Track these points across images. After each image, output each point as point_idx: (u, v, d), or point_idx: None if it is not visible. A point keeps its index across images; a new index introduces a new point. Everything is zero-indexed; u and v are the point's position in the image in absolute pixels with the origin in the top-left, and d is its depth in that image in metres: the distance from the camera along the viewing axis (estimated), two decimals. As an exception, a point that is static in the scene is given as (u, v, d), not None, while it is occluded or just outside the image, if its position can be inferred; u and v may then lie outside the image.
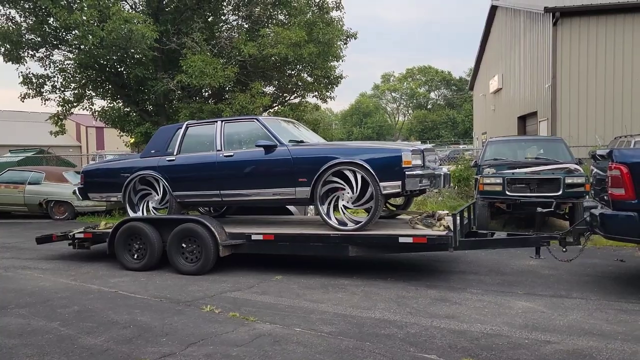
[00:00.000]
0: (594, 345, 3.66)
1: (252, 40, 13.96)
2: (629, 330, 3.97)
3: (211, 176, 6.57)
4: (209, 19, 15.71)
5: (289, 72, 16.39)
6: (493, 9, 23.14)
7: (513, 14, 20.09)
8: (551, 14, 14.93)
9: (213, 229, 6.11)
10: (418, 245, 5.65)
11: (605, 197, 5.10)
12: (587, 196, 7.85)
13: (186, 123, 7.10)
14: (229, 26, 16.47)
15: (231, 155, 6.48)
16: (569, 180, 8.18)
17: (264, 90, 15.64)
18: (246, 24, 15.80)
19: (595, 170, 5.84)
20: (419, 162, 5.85)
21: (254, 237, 6.16)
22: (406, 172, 5.61)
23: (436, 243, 5.56)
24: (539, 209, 6.39)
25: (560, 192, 8.16)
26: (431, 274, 6.09)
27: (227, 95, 15.01)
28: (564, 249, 5.58)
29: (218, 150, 6.60)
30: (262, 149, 6.25)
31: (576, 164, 8.76)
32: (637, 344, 3.66)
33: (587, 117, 14.95)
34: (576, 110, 15.03)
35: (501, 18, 22.51)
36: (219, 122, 6.80)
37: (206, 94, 15.88)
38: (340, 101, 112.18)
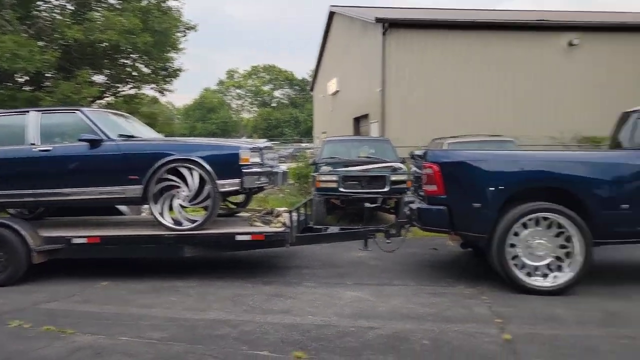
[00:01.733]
0: (410, 327, 4.03)
1: (78, 24, 12.66)
2: (438, 311, 4.46)
3: (22, 173, 5.79)
4: (24, -5, 13.84)
5: (123, 60, 15.26)
6: (331, 15, 24.24)
7: (349, 21, 21.31)
8: (381, 24, 16.15)
9: (23, 233, 5.39)
10: (256, 242, 5.67)
11: (421, 193, 5.67)
12: (408, 192, 8.69)
13: (-12, 112, 6.14)
14: (50, 6, 14.72)
15: (48, 150, 5.77)
16: (393, 178, 8.95)
17: (93, 79, 14.31)
18: (71, 5, 14.27)
19: (414, 168, 6.46)
20: (257, 159, 5.86)
21: (75, 240, 5.58)
22: (244, 170, 5.59)
23: (273, 239, 5.66)
24: (367, 204, 6.88)
25: (386, 189, 8.89)
26: (268, 271, 6.16)
27: (47, 83, 13.40)
28: (388, 241, 6.07)
29: (32, 144, 5.82)
30: (86, 143, 5.69)
31: (401, 162, 9.64)
32: (445, 323, 4.12)
33: (411, 120, 16.46)
34: (403, 113, 16.45)
35: (338, 24, 23.71)
36: (33, 112, 6.00)
37: (22, 80, 13.97)
38: (183, 94, 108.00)
